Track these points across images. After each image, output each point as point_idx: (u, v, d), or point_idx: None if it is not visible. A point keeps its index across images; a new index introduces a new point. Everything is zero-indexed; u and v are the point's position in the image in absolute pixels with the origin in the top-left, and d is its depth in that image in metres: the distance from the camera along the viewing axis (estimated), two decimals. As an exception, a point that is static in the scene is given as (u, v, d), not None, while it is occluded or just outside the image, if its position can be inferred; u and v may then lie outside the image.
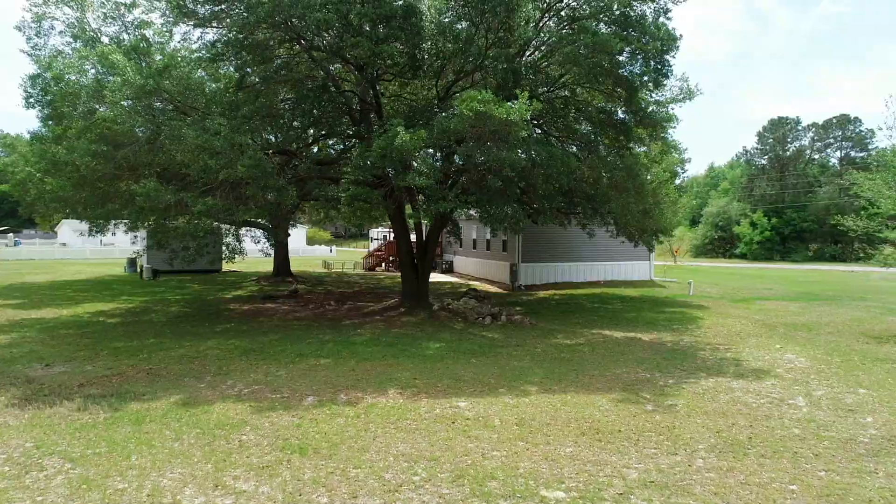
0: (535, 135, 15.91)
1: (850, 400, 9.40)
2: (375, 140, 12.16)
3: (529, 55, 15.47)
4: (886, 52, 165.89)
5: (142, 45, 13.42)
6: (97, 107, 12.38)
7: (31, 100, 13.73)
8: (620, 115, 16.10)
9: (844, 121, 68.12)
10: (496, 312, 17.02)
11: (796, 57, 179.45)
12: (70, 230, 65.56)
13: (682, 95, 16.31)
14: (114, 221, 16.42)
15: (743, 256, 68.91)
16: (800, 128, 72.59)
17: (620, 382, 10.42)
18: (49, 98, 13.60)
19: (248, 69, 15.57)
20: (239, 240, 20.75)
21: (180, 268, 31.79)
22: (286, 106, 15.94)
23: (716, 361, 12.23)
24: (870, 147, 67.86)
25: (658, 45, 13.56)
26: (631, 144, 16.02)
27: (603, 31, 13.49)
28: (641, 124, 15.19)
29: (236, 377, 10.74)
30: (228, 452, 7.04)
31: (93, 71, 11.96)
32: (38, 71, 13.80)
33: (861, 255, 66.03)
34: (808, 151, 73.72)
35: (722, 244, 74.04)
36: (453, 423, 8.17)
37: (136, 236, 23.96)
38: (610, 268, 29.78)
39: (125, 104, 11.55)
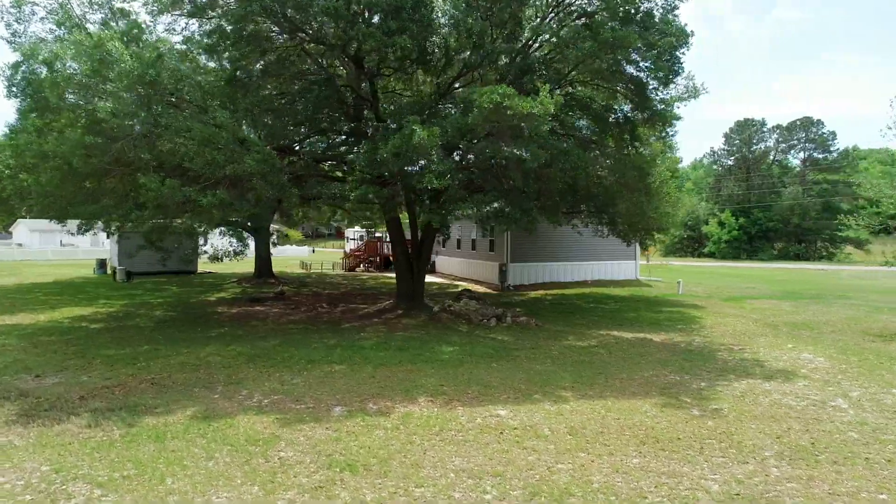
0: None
1: (889, 401, 9.29)
2: (391, 138, 11.61)
3: (537, 49, 15.09)
4: (841, 58, 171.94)
5: (134, 31, 12.58)
6: (93, 97, 11.49)
7: (14, 89, 12.70)
8: (626, 112, 15.88)
9: (808, 123, 69.91)
10: (500, 314, 16.63)
11: (755, 61, 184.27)
12: (27, 230, 62.71)
13: (686, 94, 16.20)
14: (101, 220, 15.35)
15: (711, 255, 70.12)
16: (765, 129, 74.32)
17: (654, 386, 10.14)
18: (31, 88, 12.60)
19: (241, 63, 14.85)
20: (241, 239, 19.89)
21: (155, 269, 30.64)
22: (282, 101, 15.19)
23: (737, 362, 12.07)
24: (832, 149, 69.89)
25: (672, 40, 13.36)
26: (636, 143, 15.82)
27: (611, 27, 13.20)
28: (650, 122, 15.00)
29: (250, 386, 10.09)
30: (272, 472, 6.47)
31: (86, 59, 11.07)
32: (20, 59, 12.80)
33: (824, 253, 68.28)
34: (772, 153, 75.54)
35: (691, 243, 75.29)
36: (501, 433, 7.73)
37: (120, 235, 22.71)
38: (597, 267, 29.74)
39: (124, 95, 10.74)
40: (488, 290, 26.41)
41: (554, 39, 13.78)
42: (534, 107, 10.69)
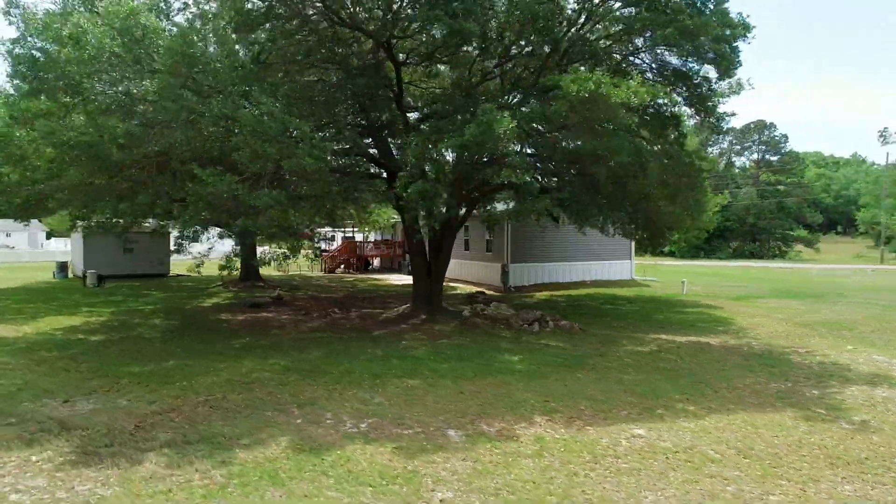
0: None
1: None
2: (467, 127, 10.53)
3: (586, 33, 14.27)
4: (781, 65, 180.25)
5: (161, 4, 11.05)
6: (121, 77, 9.88)
7: (21, 67, 10.79)
8: (670, 105, 15.28)
9: (761, 126, 72.38)
10: (540, 318, 15.78)
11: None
12: (-43, 231, 57.83)
13: (729, 90, 15.72)
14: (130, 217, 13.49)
15: (671, 254, 71.45)
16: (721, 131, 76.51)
17: (768, 396, 9.47)
18: (38, 67, 10.78)
19: (268, 45, 13.46)
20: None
21: (124, 272, 28.44)
22: (328, 87, 13.81)
23: (821, 367, 11.58)
24: (783, 151, 72.55)
25: (740, 31, 12.83)
26: (683, 138, 15.24)
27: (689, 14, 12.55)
28: (704, 114, 14.45)
29: (328, 407, 8.85)
30: (449, 520, 5.37)
31: (119, 33, 9.46)
32: (26, 33, 10.95)
33: (776, 252, 70.71)
34: (727, 154, 77.82)
35: (651, 242, 76.54)
36: (666, 458, 6.85)
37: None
38: (594, 267, 29.31)
39: (166, 75, 9.24)
40: (490, 292, 25.52)
41: (621, 25, 12.97)
42: (629, 96, 9.88)
